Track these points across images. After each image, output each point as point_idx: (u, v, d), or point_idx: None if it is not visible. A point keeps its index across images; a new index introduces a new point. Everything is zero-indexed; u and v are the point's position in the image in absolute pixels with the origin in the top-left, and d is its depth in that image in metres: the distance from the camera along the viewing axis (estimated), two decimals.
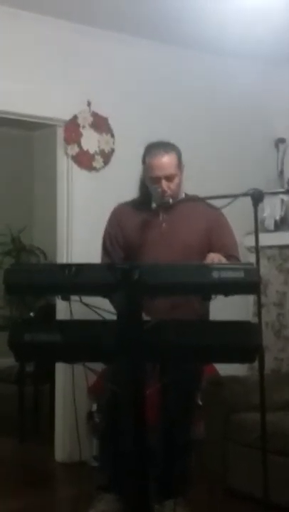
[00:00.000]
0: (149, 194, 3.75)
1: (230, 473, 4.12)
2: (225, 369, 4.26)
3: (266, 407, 3.29)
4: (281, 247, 5.29)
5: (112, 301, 2.92)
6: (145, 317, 2.71)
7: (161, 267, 2.67)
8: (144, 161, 3.72)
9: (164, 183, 3.64)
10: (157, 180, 3.65)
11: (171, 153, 3.66)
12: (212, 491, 4.12)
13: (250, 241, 3.82)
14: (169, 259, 3.53)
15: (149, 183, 3.72)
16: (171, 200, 3.67)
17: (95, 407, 4.71)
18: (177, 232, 3.70)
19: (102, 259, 3.81)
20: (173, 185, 3.66)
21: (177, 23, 4.73)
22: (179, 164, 3.70)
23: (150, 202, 3.75)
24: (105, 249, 3.82)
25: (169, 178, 3.65)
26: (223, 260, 3.40)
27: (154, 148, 3.69)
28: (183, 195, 3.79)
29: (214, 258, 3.40)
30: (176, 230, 3.71)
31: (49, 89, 4.68)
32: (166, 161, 3.64)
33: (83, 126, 4.84)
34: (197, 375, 3.72)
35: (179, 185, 3.71)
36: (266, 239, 4.96)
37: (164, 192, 3.65)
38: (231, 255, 3.63)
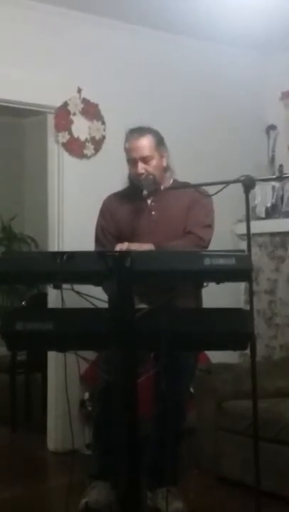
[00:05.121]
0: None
1: (222, 461, 4.13)
2: (216, 356, 4.26)
3: (257, 394, 3.29)
4: (272, 235, 5.29)
5: (105, 290, 2.91)
6: (141, 305, 2.71)
7: (152, 254, 2.67)
8: (124, 148, 3.75)
9: (140, 164, 3.66)
10: (134, 162, 3.68)
11: (146, 136, 3.69)
12: (204, 479, 4.13)
13: (242, 228, 3.82)
14: (160, 246, 3.51)
15: (129, 167, 3.73)
16: (162, 187, 3.67)
17: (87, 395, 4.71)
18: (167, 219, 3.69)
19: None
20: (150, 168, 3.67)
21: (169, 9, 4.69)
22: (157, 147, 3.70)
23: (138, 191, 3.72)
24: (99, 242, 3.79)
25: (145, 160, 3.66)
26: (133, 248, 3.37)
27: (130, 133, 3.74)
28: (171, 181, 3.78)
29: (122, 247, 3.41)
30: (166, 217, 3.70)
31: (39, 76, 4.64)
32: (140, 142, 3.67)
33: (74, 113, 4.81)
34: (191, 362, 3.72)
35: (159, 168, 3.70)
36: (257, 226, 4.96)
37: (139, 173, 3.65)
38: (189, 231, 3.63)
